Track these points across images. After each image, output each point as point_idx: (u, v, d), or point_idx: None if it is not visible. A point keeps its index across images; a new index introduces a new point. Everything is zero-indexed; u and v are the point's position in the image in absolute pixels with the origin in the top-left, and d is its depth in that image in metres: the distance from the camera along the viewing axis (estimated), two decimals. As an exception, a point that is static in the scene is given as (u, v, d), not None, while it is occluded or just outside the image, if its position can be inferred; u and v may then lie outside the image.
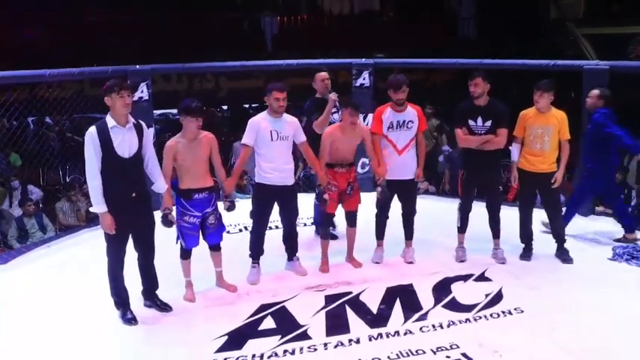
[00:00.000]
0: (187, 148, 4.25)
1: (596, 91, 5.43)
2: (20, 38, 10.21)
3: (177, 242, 4.43)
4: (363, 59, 7.23)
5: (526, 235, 5.20)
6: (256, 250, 4.84)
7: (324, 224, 4.98)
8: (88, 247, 5.50)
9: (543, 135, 4.91)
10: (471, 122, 4.93)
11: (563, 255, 5.12)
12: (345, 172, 4.84)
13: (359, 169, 6.57)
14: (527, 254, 5.18)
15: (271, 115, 4.58)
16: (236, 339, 3.93)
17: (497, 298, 4.45)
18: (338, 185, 4.84)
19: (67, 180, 8.76)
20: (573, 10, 13.23)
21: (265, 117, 4.59)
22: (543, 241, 5.24)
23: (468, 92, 4.93)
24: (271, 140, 4.55)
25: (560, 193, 5.20)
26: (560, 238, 5.16)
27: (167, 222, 4.24)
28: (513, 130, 5.04)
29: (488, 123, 4.89)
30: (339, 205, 4.94)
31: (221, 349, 3.82)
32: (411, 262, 5.11)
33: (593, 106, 5.40)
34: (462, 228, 5.18)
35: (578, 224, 6.03)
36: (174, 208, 4.33)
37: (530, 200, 5.17)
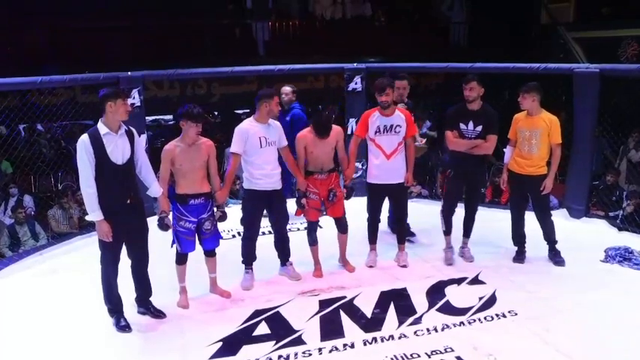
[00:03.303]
0: (185, 152, 4.25)
1: (289, 88, 5.95)
2: (19, 43, 10.18)
3: (172, 246, 4.42)
4: (355, 64, 7.25)
5: (518, 237, 5.22)
6: (249, 255, 4.83)
7: (310, 231, 4.98)
8: (81, 255, 5.49)
9: (531, 138, 4.93)
10: (462, 126, 4.95)
11: (555, 257, 5.14)
12: (326, 179, 4.82)
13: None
14: (520, 257, 5.20)
15: (259, 121, 4.58)
16: (230, 345, 3.92)
17: (491, 301, 4.47)
18: (319, 192, 4.83)
19: (60, 187, 8.72)
20: (564, 14, 13.32)
21: (253, 123, 4.59)
22: (536, 244, 5.25)
23: (461, 96, 4.96)
24: (260, 147, 4.55)
25: (549, 196, 5.21)
26: (550, 240, 5.18)
27: (163, 225, 4.23)
28: (500, 136, 5.06)
29: (479, 128, 4.91)
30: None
31: (215, 355, 3.81)
32: (404, 266, 5.11)
33: (289, 101, 5.91)
34: (448, 231, 5.20)
35: (570, 226, 6.07)
36: (170, 212, 4.33)
37: (520, 202, 5.18)
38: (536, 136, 4.91)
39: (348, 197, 4.94)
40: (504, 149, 5.22)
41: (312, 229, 4.96)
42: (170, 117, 13.43)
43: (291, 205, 4.95)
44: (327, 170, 4.82)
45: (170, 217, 4.31)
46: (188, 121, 4.21)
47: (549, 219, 5.16)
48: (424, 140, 5.54)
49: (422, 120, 5.46)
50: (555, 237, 5.18)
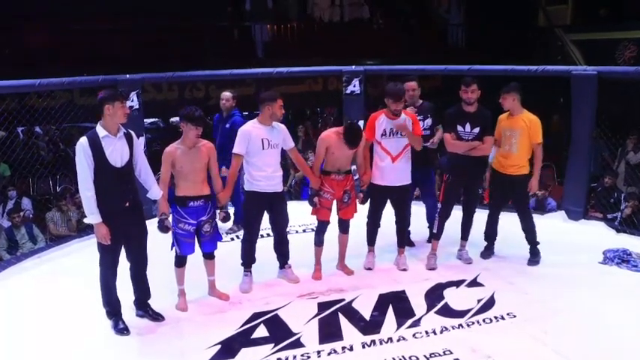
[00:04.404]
0: (186, 154, 4.25)
1: (229, 93, 5.99)
2: (18, 44, 10.19)
3: (172, 249, 4.41)
4: (354, 66, 7.25)
5: (489, 234, 5.32)
6: (248, 258, 4.83)
7: (318, 231, 4.98)
8: (79, 257, 5.48)
9: (511, 137, 4.98)
10: (459, 128, 4.96)
11: (532, 257, 5.20)
12: (342, 180, 4.83)
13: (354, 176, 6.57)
14: (487, 252, 5.32)
15: (263, 123, 4.58)
16: (229, 348, 3.92)
17: (490, 303, 4.47)
18: (334, 193, 4.83)
19: (58, 190, 8.71)
20: (561, 17, 13.35)
21: (256, 125, 4.59)
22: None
23: (457, 98, 4.96)
24: (262, 149, 4.55)
25: (529, 197, 5.26)
26: (531, 241, 5.22)
27: (163, 227, 4.24)
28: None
29: (476, 130, 4.92)
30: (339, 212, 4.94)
31: (214, 358, 3.81)
32: (404, 270, 5.10)
33: (230, 108, 5.93)
34: (438, 235, 5.20)
35: (568, 228, 6.08)
36: (170, 214, 4.33)
37: (499, 201, 5.25)
38: (515, 136, 4.96)
39: (364, 202, 4.95)
40: None
41: (321, 229, 4.95)
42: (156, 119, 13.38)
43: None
44: (344, 172, 4.82)
45: (170, 219, 4.31)
46: (188, 123, 4.21)
47: (530, 220, 5.21)
48: (436, 140, 5.48)
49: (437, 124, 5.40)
50: (537, 238, 5.21)
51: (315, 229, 5.04)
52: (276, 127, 4.64)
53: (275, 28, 12.38)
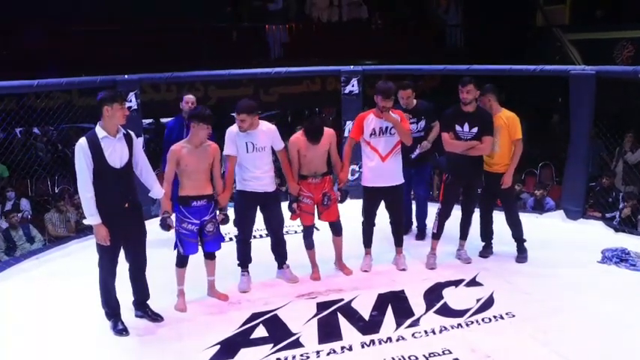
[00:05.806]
0: (192, 153, 4.26)
1: (192, 97, 5.90)
2: (17, 46, 10.19)
3: (174, 249, 4.41)
4: (352, 66, 7.25)
5: (485, 233, 5.34)
6: (244, 258, 4.82)
7: (306, 236, 4.97)
8: (78, 258, 5.47)
9: (494, 136, 5.00)
10: (457, 128, 4.96)
11: (519, 254, 5.24)
12: (320, 183, 4.81)
13: (349, 176, 6.55)
14: (486, 251, 5.34)
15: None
16: (228, 348, 3.91)
17: (489, 302, 4.47)
18: (313, 197, 4.82)
19: (56, 191, 8.70)
20: (559, 17, 13.36)
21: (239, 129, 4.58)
22: (532, 246, 5.28)
23: (456, 98, 4.97)
24: (247, 152, 4.56)
25: (514, 194, 5.29)
26: (517, 238, 5.26)
27: (165, 226, 4.24)
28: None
29: (475, 130, 4.92)
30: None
31: (213, 359, 3.80)
32: (403, 269, 5.10)
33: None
34: (438, 235, 5.20)
35: (567, 227, 6.09)
36: (173, 213, 4.33)
37: (487, 199, 5.29)
38: (496, 135, 4.99)
39: (342, 200, 4.93)
40: None
41: (308, 233, 4.94)
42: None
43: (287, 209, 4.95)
44: (320, 174, 4.81)
45: (172, 217, 4.30)
46: (200, 122, 4.23)
47: (516, 216, 5.25)
48: (430, 138, 5.52)
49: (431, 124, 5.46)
50: (523, 235, 5.25)
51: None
52: (264, 129, 4.63)
53: (273, 29, 12.38)
